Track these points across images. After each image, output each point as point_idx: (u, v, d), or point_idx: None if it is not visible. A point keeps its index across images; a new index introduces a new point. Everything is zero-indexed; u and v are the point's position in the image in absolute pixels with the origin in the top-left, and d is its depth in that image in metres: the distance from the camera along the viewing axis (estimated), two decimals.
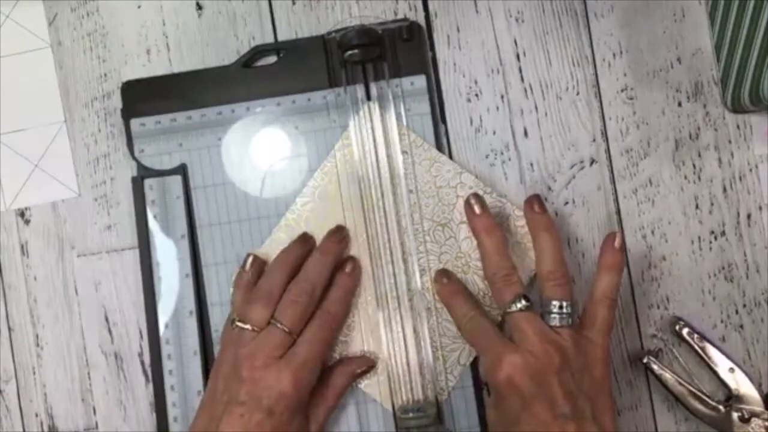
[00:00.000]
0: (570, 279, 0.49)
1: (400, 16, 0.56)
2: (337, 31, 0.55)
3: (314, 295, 0.51)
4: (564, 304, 0.48)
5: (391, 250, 0.54)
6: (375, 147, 0.54)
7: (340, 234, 0.53)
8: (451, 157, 0.55)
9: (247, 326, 0.50)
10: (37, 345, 0.55)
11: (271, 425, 0.48)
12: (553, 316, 0.48)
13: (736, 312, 0.54)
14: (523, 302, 0.48)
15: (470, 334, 0.51)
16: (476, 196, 0.52)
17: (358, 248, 0.54)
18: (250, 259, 0.53)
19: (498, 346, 0.48)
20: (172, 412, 0.53)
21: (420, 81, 0.55)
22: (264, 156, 0.55)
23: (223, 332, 0.52)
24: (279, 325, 0.49)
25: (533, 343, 0.47)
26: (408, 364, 0.53)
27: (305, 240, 0.53)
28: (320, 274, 0.52)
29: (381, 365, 0.53)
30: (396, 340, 0.53)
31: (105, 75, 0.56)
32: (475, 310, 0.51)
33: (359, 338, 0.53)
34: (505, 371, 0.46)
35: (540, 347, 0.47)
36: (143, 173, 0.55)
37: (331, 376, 0.52)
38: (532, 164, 0.55)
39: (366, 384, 0.53)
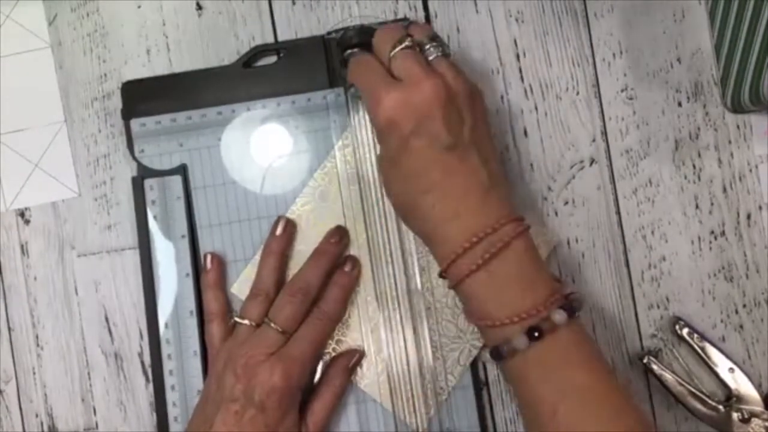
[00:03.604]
0: None
1: (400, 16, 0.56)
2: (336, 31, 0.55)
3: (309, 294, 0.51)
4: (436, 41, 0.48)
5: (391, 250, 0.54)
6: (375, 147, 0.54)
7: (338, 235, 0.53)
8: None
9: (245, 321, 0.51)
10: (37, 345, 0.55)
11: (263, 420, 0.48)
12: (429, 49, 0.48)
13: (736, 312, 0.54)
14: (406, 42, 0.47)
15: (355, 74, 0.49)
16: (284, 219, 0.53)
17: (358, 248, 0.54)
18: (209, 258, 0.53)
19: (381, 84, 0.46)
20: (172, 412, 0.53)
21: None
22: (264, 156, 0.55)
23: (207, 339, 0.53)
24: (272, 325, 0.50)
25: (417, 76, 0.46)
26: (408, 364, 0.53)
27: (285, 226, 0.53)
28: (316, 275, 0.52)
29: (381, 365, 0.53)
30: (396, 339, 0.53)
31: (105, 75, 0.56)
32: (368, 56, 0.49)
33: (359, 338, 0.53)
34: (385, 109, 0.45)
35: (425, 80, 0.45)
36: (143, 173, 0.55)
37: (326, 375, 0.52)
38: (532, 164, 0.55)
39: (366, 384, 0.53)
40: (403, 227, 0.54)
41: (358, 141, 0.54)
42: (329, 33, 0.55)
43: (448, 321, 0.53)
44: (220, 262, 0.54)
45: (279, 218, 0.54)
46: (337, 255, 0.53)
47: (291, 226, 0.54)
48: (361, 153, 0.54)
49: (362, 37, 0.53)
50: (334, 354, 0.53)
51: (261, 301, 0.51)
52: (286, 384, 0.48)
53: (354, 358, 0.53)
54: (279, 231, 0.53)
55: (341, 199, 0.54)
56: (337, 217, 0.54)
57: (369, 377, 0.53)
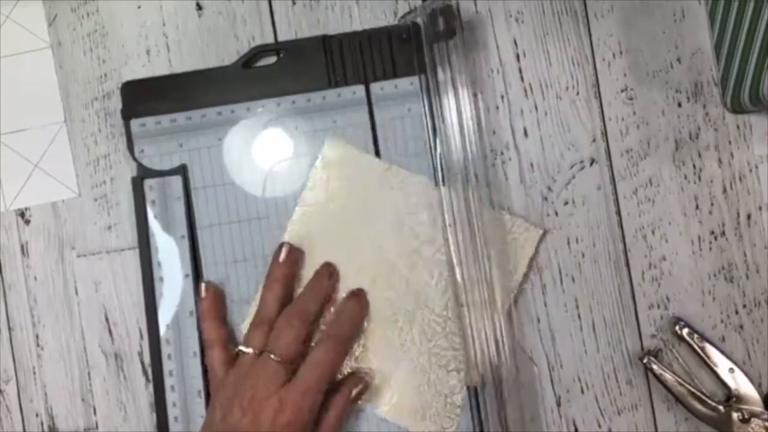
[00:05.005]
0: None
1: (400, 16, 0.56)
2: (408, 13, 0.54)
3: (307, 321, 0.51)
4: None
5: (400, 271, 0.54)
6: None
7: (327, 271, 0.53)
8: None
9: (249, 350, 0.50)
10: (37, 345, 0.55)
11: None
12: None
13: (736, 312, 0.54)
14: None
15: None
16: (287, 245, 0.53)
17: (361, 269, 0.54)
18: (203, 287, 0.53)
19: None
20: (172, 412, 0.53)
21: (420, 81, 0.55)
22: (264, 157, 0.55)
23: (209, 367, 0.52)
24: (272, 357, 0.49)
25: None
26: (427, 384, 0.53)
27: (288, 252, 0.53)
28: (313, 303, 0.51)
29: (396, 387, 0.53)
30: (410, 360, 0.53)
31: (105, 75, 0.56)
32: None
33: (374, 360, 0.53)
34: None
35: None
36: (143, 173, 0.55)
37: (330, 402, 0.51)
38: (532, 164, 0.55)
39: (384, 410, 0.53)
40: (412, 254, 0.54)
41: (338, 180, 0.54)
42: (403, 16, 0.54)
43: (453, 332, 0.53)
44: (216, 291, 0.53)
45: (282, 244, 0.53)
46: (331, 288, 0.53)
47: (295, 253, 0.53)
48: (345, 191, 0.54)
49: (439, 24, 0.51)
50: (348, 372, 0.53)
51: (262, 331, 0.50)
52: (298, 418, 0.48)
53: (357, 387, 0.52)
54: (282, 257, 0.52)
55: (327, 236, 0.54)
56: (332, 238, 0.54)
57: (386, 404, 0.53)
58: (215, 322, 0.52)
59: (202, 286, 0.53)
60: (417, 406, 0.53)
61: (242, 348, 0.50)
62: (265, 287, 0.52)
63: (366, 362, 0.53)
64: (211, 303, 0.53)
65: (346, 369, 0.53)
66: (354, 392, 0.51)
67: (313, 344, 0.51)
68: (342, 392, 0.51)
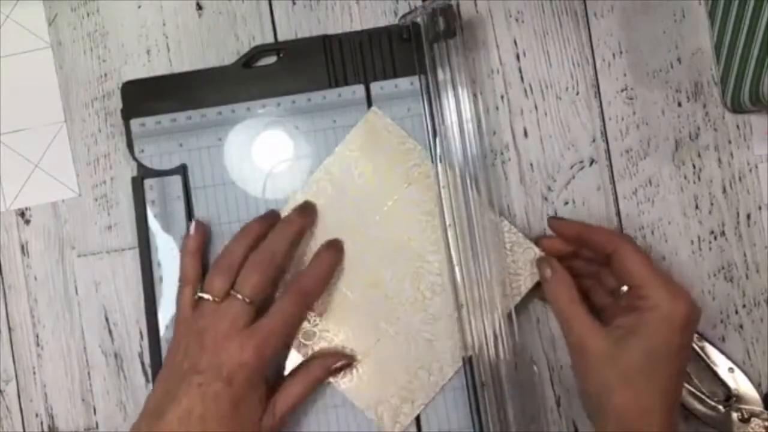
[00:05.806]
0: None
1: (400, 16, 0.56)
2: (409, 13, 0.54)
3: (274, 263, 0.50)
4: None
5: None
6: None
7: (306, 208, 0.53)
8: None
9: (208, 296, 0.49)
10: (37, 345, 0.55)
11: (229, 395, 0.47)
12: None
13: (736, 312, 0.54)
14: None
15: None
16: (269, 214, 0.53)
17: (359, 253, 0.54)
18: (194, 225, 0.52)
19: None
20: None
21: (420, 81, 0.55)
22: (264, 157, 0.55)
23: (178, 303, 0.51)
24: (239, 296, 0.49)
25: None
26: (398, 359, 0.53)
27: (271, 214, 0.53)
28: (281, 243, 0.51)
29: (365, 369, 0.53)
30: (383, 335, 0.53)
31: (105, 75, 0.56)
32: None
33: (336, 330, 0.53)
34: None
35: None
36: (143, 173, 0.55)
37: (308, 366, 0.52)
38: (532, 164, 0.55)
39: (347, 387, 0.53)
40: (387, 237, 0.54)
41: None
42: (403, 16, 0.54)
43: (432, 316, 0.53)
44: (205, 231, 0.53)
45: (271, 210, 0.54)
46: (305, 227, 0.53)
47: (277, 216, 0.53)
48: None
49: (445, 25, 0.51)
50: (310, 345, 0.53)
51: (224, 275, 0.49)
52: (257, 361, 0.48)
53: (341, 362, 0.52)
54: (265, 216, 0.53)
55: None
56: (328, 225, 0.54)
57: (350, 380, 0.53)
58: (195, 260, 0.52)
59: (193, 224, 0.52)
60: (388, 384, 0.52)
61: (202, 294, 0.49)
62: (235, 237, 0.51)
63: (338, 333, 0.53)
64: (196, 241, 0.52)
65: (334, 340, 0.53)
66: (336, 365, 0.52)
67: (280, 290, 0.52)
68: (324, 360, 0.52)
